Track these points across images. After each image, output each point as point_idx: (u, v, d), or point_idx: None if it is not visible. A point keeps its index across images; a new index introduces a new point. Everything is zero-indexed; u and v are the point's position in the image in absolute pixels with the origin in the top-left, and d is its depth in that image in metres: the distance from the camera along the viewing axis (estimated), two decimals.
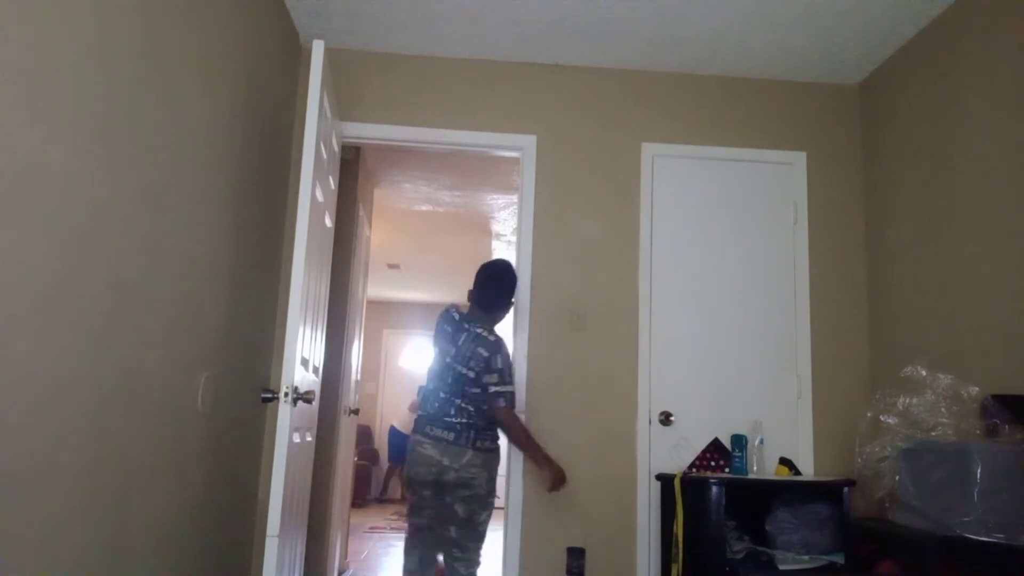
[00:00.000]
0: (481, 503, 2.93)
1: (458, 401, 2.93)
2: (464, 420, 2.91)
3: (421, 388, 3.17)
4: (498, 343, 2.98)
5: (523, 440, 3.07)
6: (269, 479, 3.39)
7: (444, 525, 2.95)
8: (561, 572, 3.40)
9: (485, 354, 2.94)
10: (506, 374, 2.96)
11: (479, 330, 3.00)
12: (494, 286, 3.12)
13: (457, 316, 3.09)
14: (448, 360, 2.99)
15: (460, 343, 3.00)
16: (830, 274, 3.72)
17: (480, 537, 2.98)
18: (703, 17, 3.32)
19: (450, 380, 2.96)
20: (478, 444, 2.91)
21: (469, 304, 3.16)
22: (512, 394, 2.97)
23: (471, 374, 2.94)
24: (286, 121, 3.55)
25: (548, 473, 3.09)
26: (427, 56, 3.80)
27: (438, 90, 3.76)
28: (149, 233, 2.08)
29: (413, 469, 2.95)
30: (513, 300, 3.20)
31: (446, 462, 2.88)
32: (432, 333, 3.14)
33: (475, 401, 2.95)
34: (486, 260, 3.22)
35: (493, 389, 2.93)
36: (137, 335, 2.03)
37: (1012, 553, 2.28)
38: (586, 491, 3.49)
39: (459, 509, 2.91)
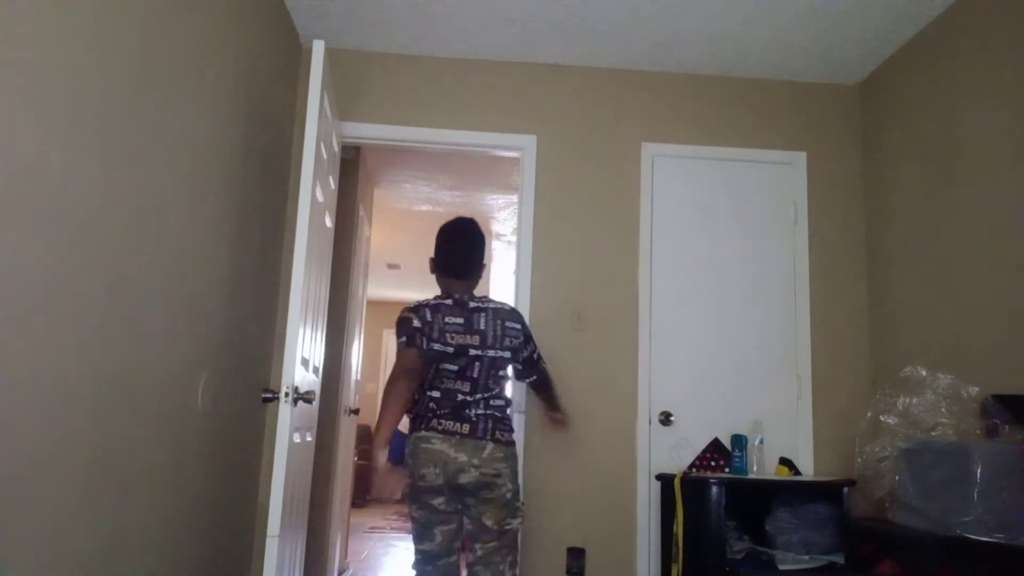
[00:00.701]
0: (508, 509, 2.46)
1: (479, 396, 2.51)
2: (481, 411, 2.49)
3: None
4: (516, 310, 2.67)
5: (556, 390, 2.87)
6: (269, 479, 3.39)
7: (470, 540, 2.48)
8: (561, 572, 3.40)
9: (518, 326, 2.62)
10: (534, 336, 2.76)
11: (491, 304, 2.62)
12: (479, 246, 2.71)
13: (451, 302, 2.59)
14: (474, 352, 2.52)
15: (483, 326, 2.56)
16: (830, 274, 3.72)
17: (513, 548, 2.50)
18: (703, 17, 3.32)
19: (475, 374, 2.52)
20: (498, 436, 2.47)
21: (442, 279, 2.69)
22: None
23: (506, 354, 2.57)
24: (286, 121, 3.55)
25: (566, 416, 2.94)
26: (427, 56, 3.80)
27: (438, 90, 3.76)
28: (149, 233, 2.08)
29: (418, 472, 2.43)
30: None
31: (462, 459, 2.41)
32: (406, 338, 2.52)
33: (502, 384, 2.59)
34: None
35: (536, 354, 2.72)
36: (137, 335, 2.03)
37: (1012, 553, 2.28)
38: (586, 491, 3.49)
39: (488, 522, 2.44)
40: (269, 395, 2.68)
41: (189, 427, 2.46)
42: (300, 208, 2.64)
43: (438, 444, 2.43)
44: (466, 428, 2.46)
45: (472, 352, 2.52)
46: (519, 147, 3.75)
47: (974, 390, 2.68)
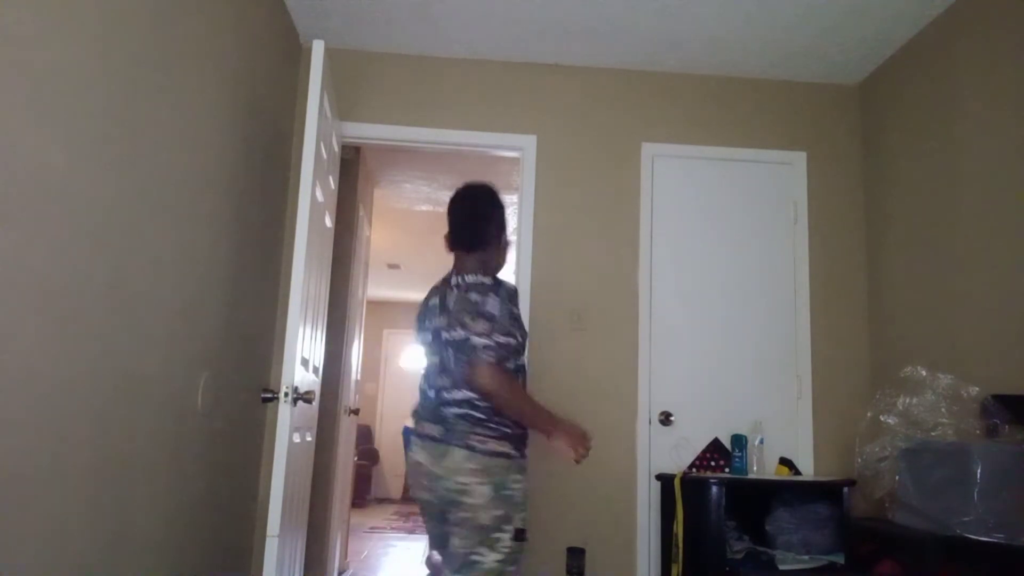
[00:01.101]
0: (480, 536, 1.97)
1: (459, 392, 2.09)
2: (455, 410, 2.06)
3: None
4: (496, 285, 2.14)
5: (522, 408, 2.05)
6: (269, 479, 3.38)
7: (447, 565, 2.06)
8: (561, 572, 3.40)
9: (475, 298, 2.10)
10: (502, 321, 2.05)
11: (469, 278, 2.17)
12: (471, 209, 2.25)
13: (439, 283, 2.30)
14: (444, 337, 2.13)
15: (451, 304, 2.15)
16: (830, 274, 3.72)
17: None
18: (703, 17, 3.32)
19: (451, 363, 2.11)
20: (472, 441, 2.01)
21: (454, 256, 2.30)
22: (510, 348, 2.05)
23: (462, 332, 2.07)
24: (286, 121, 3.55)
25: (566, 438, 2.08)
26: (427, 56, 3.80)
27: (438, 90, 3.76)
28: (149, 233, 2.08)
29: (408, 483, 2.19)
30: (509, 236, 2.35)
31: (431, 467, 2.05)
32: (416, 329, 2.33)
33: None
34: None
35: (476, 340, 2.02)
36: (137, 335, 2.03)
37: (1012, 553, 2.28)
38: (586, 491, 3.49)
39: (454, 545, 2.01)
40: (269, 395, 2.68)
41: (189, 427, 2.46)
42: (300, 208, 2.64)
43: (416, 452, 2.10)
44: (437, 431, 2.07)
45: (444, 336, 2.12)
46: (519, 147, 3.75)
47: (974, 390, 2.68)
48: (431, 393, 2.16)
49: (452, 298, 2.17)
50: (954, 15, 3.13)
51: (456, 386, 2.09)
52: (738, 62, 3.72)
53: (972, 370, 2.86)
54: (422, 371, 2.26)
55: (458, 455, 2.01)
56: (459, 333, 2.08)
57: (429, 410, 2.14)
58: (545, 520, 3.45)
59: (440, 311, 2.20)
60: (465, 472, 2.00)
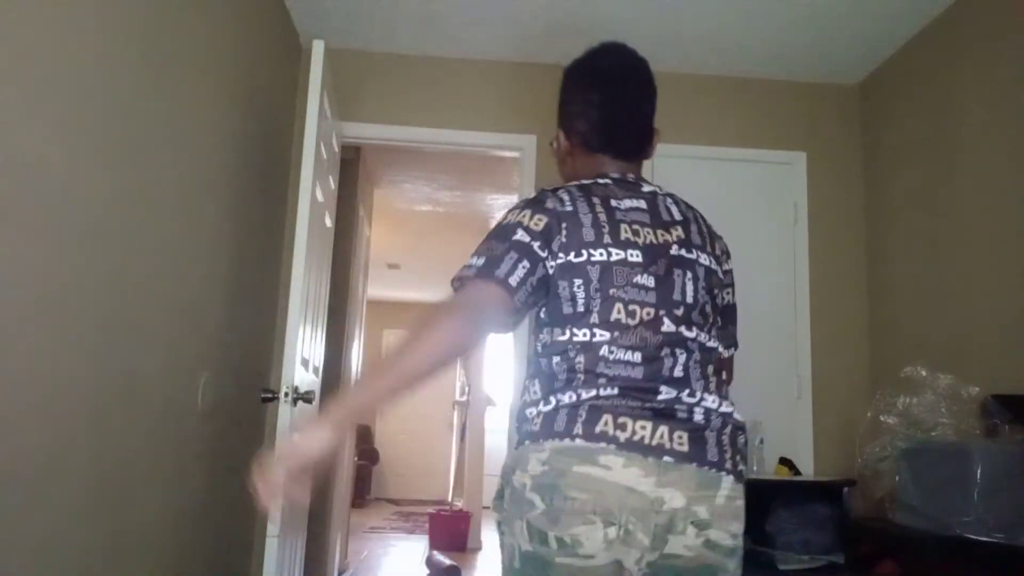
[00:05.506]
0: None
1: (709, 363, 1.43)
2: (713, 398, 1.42)
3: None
4: None
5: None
6: None
7: None
8: None
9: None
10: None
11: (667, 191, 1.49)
12: (654, 97, 1.49)
13: (609, 181, 1.42)
14: (681, 253, 1.36)
15: (677, 215, 1.41)
16: (830, 274, 3.72)
17: None
18: (703, 17, 3.32)
19: (691, 297, 1.37)
20: (739, 461, 1.35)
21: (585, 159, 1.50)
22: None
23: (725, 277, 1.53)
24: (286, 121, 3.55)
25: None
26: (427, 56, 3.80)
27: (438, 90, 3.76)
28: (149, 233, 2.08)
29: (556, 530, 1.21)
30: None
31: (677, 503, 1.23)
32: (485, 261, 1.29)
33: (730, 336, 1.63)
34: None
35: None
36: (137, 335, 2.03)
37: (1012, 553, 2.28)
38: None
39: None
40: (269, 395, 2.68)
41: (189, 427, 2.46)
42: (300, 208, 2.64)
43: (618, 470, 1.18)
44: (683, 438, 1.24)
45: (675, 251, 1.34)
46: (519, 147, 3.75)
47: (974, 390, 2.68)
48: (611, 352, 1.25)
49: (677, 209, 1.38)
50: (954, 15, 3.13)
51: (702, 349, 1.36)
52: (738, 62, 3.72)
53: (972, 370, 2.86)
54: (595, 310, 1.28)
55: (728, 485, 1.25)
56: (716, 266, 1.43)
57: (639, 394, 1.23)
58: None
59: (656, 222, 1.34)
60: (735, 516, 1.24)
